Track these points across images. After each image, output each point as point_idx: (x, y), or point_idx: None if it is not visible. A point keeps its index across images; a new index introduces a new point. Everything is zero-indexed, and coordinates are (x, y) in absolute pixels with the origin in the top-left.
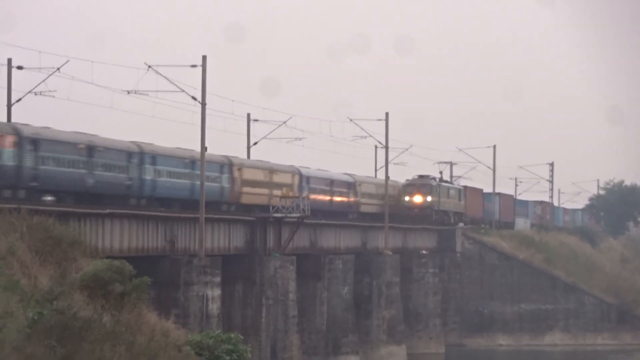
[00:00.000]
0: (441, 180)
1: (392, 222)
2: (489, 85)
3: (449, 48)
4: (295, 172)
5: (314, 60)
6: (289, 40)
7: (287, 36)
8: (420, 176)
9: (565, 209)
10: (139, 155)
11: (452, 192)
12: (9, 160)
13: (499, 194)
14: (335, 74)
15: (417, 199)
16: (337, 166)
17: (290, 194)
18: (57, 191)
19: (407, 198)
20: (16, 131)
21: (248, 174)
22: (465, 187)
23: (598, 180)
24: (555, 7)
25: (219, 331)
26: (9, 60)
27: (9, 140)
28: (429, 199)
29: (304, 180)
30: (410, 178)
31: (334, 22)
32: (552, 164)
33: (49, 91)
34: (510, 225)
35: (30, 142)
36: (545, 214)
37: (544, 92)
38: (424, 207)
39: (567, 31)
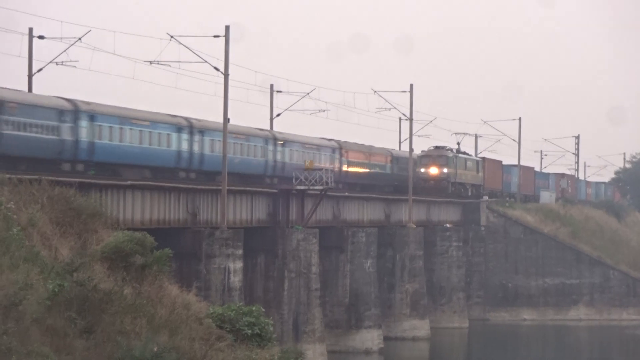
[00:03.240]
0: (458, 151)
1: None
2: (514, 58)
3: (463, 39)
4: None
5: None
6: (287, 39)
7: (286, 36)
8: (437, 147)
9: (587, 182)
10: (392, 158)
11: (469, 163)
12: (385, 170)
13: (518, 166)
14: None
15: (433, 170)
16: (360, 138)
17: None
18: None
19: (422, 169)
20: (389, 152)
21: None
22: (484, 158)
23: (624, 154)
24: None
25: (240, 304)
26: (30, 30)
27: (389, 158)
28: (445, 170)
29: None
30: (426, 149)
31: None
32: (577, 137)
33: (71, 61)
34: (530, 198)
35: (396, 160)
36: (568, 187)
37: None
38: (440, 179)
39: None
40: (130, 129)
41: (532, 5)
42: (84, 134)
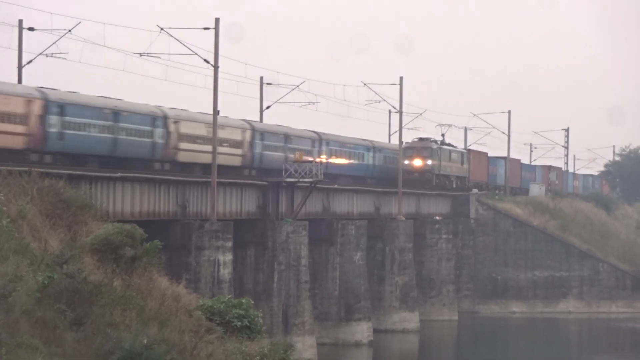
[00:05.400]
0: (443, 143)
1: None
2: (504, 53)
3: (456, 41)
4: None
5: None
6: (287, 40)
7: (285, 36)
8: (421, 139)
9: (575, 174)
10: (374, 149)
11: (454, 155)
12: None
13: (505, 158)
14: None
15: (417, 162)
16: (351, 131)
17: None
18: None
19: (406, 161)
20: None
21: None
22: (469, 150)
23: (614, 147)
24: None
25: (230, 296)
26: (20, 22)
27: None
28: (429, 162)
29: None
30: (409, 141)
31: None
32: (567, 130)
33: (61, 53)
34: (516, 190)
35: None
36: (556, 179)
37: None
38: (424, 171)
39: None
40: (345, 150)
41: (528, 5)
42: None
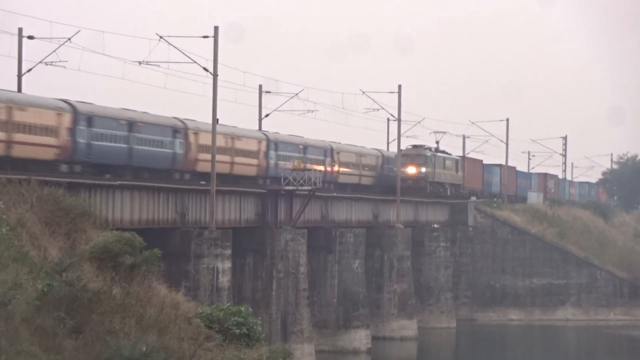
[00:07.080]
0: (437, 150)
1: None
2: (502, 59)
3: (454, 44)
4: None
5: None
6: (287, 40)
7: (286, 36)
8: (415, 146)
9: (571, 182)
10: (331, 152)
11: (448, 162)
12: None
13: (500, 165)
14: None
15: (411, 169)
16: (350, 139)
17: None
18: None
19: (400, 169)
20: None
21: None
22: (464, 157)
23: (611, 154)
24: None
25: (229, 304)
26: (20, 30)
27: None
28: (423, 170)
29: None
30: (403, 148)
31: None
32: (565, 138)
33: (60, 61)
34: (512, 198)
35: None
36: (553, 187)
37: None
38: (418, 178)
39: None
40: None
41: (528, 7)
42: None
